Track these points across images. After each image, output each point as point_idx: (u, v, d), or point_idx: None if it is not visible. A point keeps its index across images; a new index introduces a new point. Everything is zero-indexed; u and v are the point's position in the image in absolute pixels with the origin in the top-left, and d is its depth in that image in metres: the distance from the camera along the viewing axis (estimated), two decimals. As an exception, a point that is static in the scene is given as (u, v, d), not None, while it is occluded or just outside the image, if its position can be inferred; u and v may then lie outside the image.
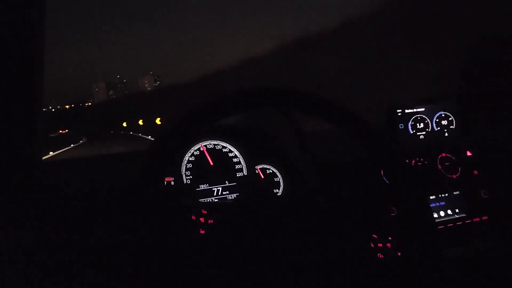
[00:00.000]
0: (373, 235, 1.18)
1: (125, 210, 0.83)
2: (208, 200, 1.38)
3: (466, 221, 1.39)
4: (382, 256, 1.15)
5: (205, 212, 0.91)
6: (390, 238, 1.18)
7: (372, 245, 1.16)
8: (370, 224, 1.23)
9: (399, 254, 1.17)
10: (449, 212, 1.41)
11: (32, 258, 1.00)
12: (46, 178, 1.23)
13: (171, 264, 0.83)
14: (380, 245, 1.17)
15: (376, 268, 1.12)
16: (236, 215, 0.91)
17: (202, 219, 0.90)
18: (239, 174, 1.45)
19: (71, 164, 1.57)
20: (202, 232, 0.89)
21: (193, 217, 0.90)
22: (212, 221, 0.90)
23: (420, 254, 0.89)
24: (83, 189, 1.23)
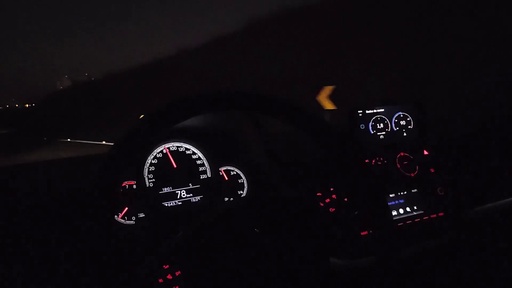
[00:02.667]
0: (317, 194, 1.19)
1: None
2: (171, 204, 1.36)
3: (424, 218, 1.44)
4: (334, 209, 1.18)
5: (167, 266, 0.83)
6: (332, 189, 1.20)
7: (321, 204, 1.17)
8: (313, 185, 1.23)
9: (346, 199, 1.20)
10: (407, 209, 1.45)
11: None
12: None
13: None
14: (328, 200, 1.19)
15: (335, 225, 1.14)
16: (197, 249, 0.85)
17: (169, 276, 0.82)
18: (203, 176, 1.44)
19: (29, 168, 1.50)
20: (177, 287, 0.82)
21: (161, 280, 0.82)
22: (179, 272, 0.83)
23: (379, 252, 0.91)
24: (41, 195, 1.19)
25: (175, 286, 0.82)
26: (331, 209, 1.19)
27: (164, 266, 0.83)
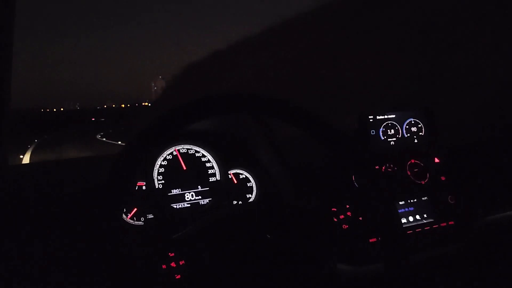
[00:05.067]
0: (332, 209, 1.19)
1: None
2: (180, 206, 1.37)
3: (434, 226, 1.43)
4: (347, 226, 1.18)
5: (173, 254, 0.84)
6: (348, 206, 1.21)
7: (335, 219, 1.17)
8: (329, 199, 1.24)
9: (360, 218, 1.20)
10: (417, 217, 1.44)
11: None
12: (11, 182, 1.19)
13: None
14: (342, 216, 1.19)
15: (345, 240, 1.14)
16: (206, 245, 0.87)
17: (173, 264, 0.83)
18: (212, 179, 1.44)
19: (39, 168, 1.52)
20: (178, 277, 0.83)
21: (164, 266, 0.83)
22: (183, 261, 0.84)
23: (387, 259, 0.91)
24: (51, 194, 1.20)
25: (177, 275, 0.83)
26: (344, 226, 1.18)
27: (169, 254, 0.85)
